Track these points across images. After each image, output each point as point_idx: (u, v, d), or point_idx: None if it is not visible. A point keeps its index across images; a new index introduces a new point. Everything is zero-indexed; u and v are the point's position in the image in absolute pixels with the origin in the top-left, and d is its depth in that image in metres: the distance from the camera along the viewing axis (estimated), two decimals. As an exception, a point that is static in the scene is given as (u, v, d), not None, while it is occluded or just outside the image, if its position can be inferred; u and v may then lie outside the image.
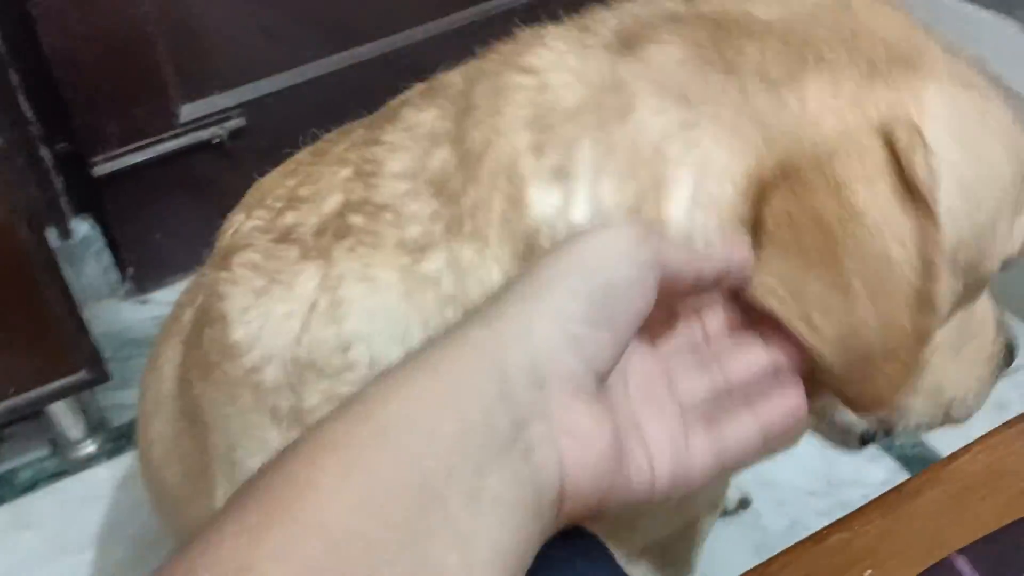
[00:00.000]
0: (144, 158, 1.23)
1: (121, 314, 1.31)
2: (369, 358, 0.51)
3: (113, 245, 1.31)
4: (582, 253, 0.41)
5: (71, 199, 1.27)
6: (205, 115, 1.25)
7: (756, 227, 0.44)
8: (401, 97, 0.57)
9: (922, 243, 0.42)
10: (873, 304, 0.42)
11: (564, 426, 0.38)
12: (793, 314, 0.43)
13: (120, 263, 1.33)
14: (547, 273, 0.40)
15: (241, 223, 0.59)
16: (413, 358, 0.39)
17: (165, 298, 1.32)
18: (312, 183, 0.56)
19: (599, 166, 0.47)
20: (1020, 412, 0.55)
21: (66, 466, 1.15)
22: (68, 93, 1.16)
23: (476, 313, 0.41)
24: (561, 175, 0.47)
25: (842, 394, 0.45)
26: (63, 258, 1.14)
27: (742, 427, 0.43)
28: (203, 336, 0.58)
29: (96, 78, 1.16)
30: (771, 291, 0.43)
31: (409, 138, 0.53)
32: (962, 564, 0.40)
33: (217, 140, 1.27)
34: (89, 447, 1.16)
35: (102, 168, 1.22)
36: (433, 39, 1.40)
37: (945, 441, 0.67)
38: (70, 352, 1.05)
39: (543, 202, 0.47)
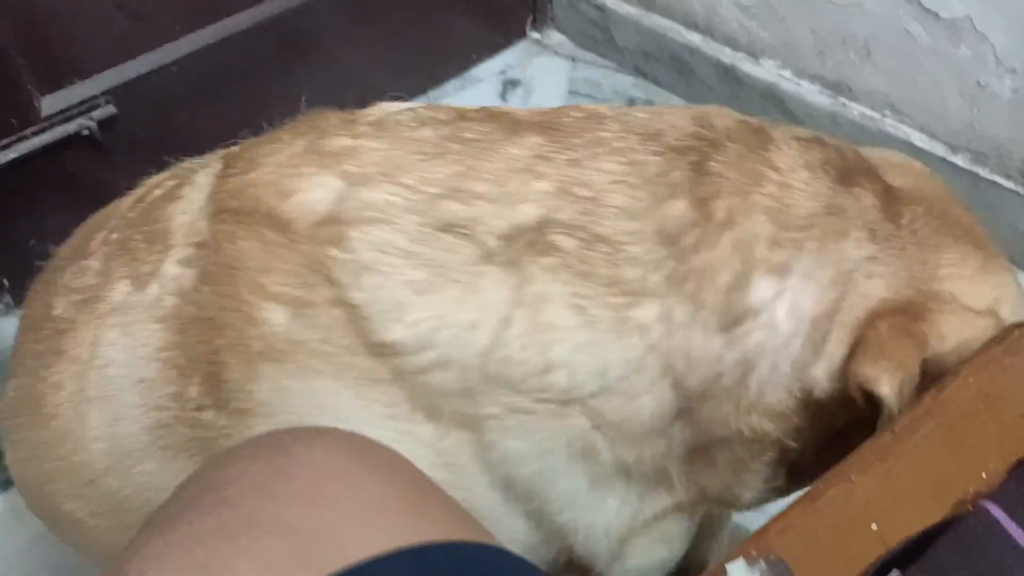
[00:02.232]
0: (6, 159, 1.11)
1: (1, 330, 1.19)
2: (567, 385, 0.52)
3: (-17, 258, 1.19)
4: None
5: (-69, 212, 1.15)
6: (69, 106, 1.14)
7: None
8: (574, 113, 0.58)
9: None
10: None
11: None
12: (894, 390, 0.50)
13: (-7, 276, 1.21)
14: None
15: (344, 190, 0.54)
16: None
17: (49, 310, 1.21)
18: (488, 181, 0.54)
19: (810, 275, 0.53)
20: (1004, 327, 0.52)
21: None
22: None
23: None
24: (782, 272, 0.53)
25: None
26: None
27: None
28: (265, 321, 0.53)
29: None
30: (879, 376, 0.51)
31: (634, 175, 0.54)
32: (997, 512, 0.36)
33: (86, 132, 1.16)
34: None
35: (-41, 175, 1.10)
36: (309, 3, 1.32)
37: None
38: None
39: (761, 289, 0.52)
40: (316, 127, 0.59)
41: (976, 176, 1.14)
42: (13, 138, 1.10)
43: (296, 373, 0.53)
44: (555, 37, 1.62)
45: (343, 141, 0.56)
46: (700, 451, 0.56)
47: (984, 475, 0.42)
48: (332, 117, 0.60)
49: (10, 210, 1.15)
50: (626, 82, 1.53)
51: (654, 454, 0.55)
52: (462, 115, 0.58)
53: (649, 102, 1.49)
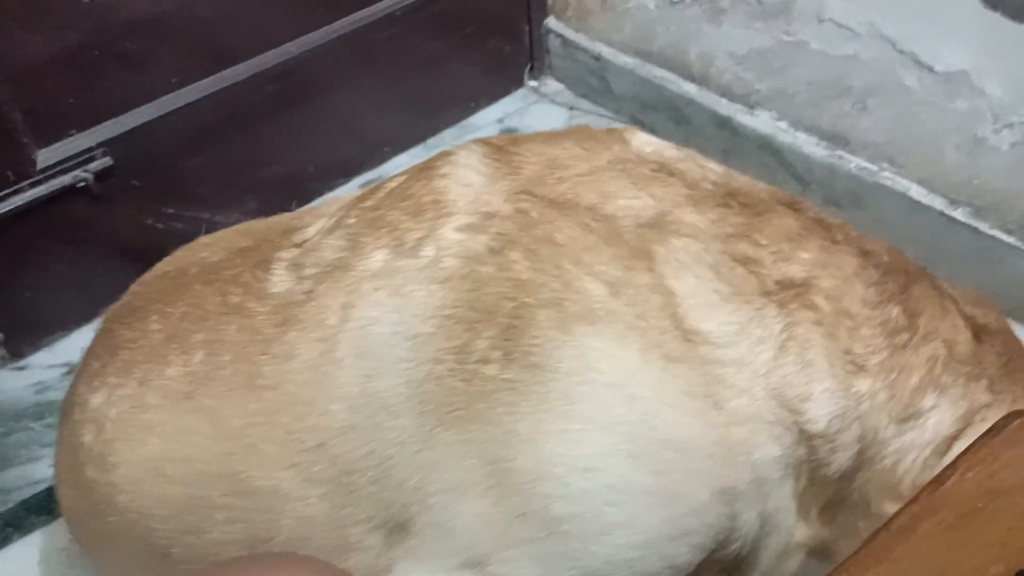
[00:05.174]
0: (1, 212, 1.10)
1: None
2: (810, 416, 0.62)
3: (-22, 311, 1.19)
4: None
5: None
6: (65, 158, 1.13)
7: None
8: (809, 212, 0.70)
9: None
10: None
11: None
12: None
13: (-11, 329, 1.20)
14: None
15: (660, 207, 0.66)
16: None
17: (44, 361, 1.20)
18: (767, 236, 0.66)
19: (955, 402, 0.66)
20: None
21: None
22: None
23: None
24: (942, 391, 0.65)
25: None
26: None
27: None
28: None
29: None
30: None
31: (864, 275, 0.66)
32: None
33: (82, 184, 1.15)
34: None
35: (-45, 228, 1.09)
36: (309, 53, 1.32)
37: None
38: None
39: (929, 399, 0.65)
40: (605, 147, 0.71)
41: (976, 230, 1.13)
42: (9, 191, 1.10)
43: (609, 337, 0.60)
44: (553, 86, 1.62)
45: (642, 170, 0.69)
46: (832, 506, 0.66)
47: (985, 580, 0.40)
48: (613, 143, 0.71)
49: (5, 262, 1.14)
50: (624, 130, 1.53)
51: (816, 496, 0.65)
52: (729, 175, 0.72)
53: (647, 150, 1.49)
